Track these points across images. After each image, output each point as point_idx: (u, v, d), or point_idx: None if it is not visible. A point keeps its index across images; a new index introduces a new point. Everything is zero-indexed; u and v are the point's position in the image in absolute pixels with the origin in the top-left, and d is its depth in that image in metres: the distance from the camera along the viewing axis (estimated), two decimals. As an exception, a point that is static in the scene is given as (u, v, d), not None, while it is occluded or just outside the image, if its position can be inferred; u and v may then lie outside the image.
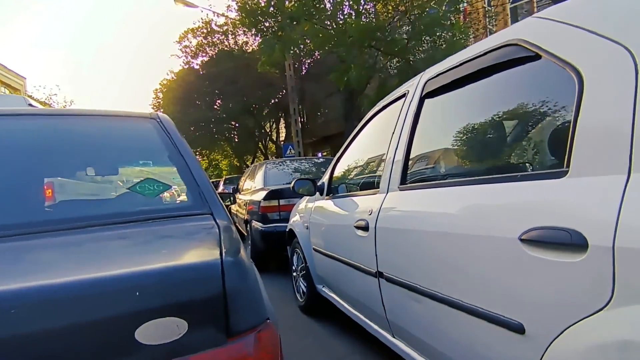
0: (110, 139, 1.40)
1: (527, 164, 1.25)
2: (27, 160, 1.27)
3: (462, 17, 9.59)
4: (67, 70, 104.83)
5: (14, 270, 0.74)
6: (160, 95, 22.17)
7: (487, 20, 10.58)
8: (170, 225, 1.02)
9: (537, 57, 1.08)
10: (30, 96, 19.18)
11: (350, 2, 9.21)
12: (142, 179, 1.24)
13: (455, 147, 1.60)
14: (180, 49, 19.36)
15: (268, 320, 0.77)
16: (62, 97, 51.85)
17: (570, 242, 0.85)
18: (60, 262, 0.77)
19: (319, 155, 18.75)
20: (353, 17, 9.35)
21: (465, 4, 9.26)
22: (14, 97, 5.03)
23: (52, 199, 1.32)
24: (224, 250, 0.77)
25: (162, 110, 21.03)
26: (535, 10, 11.49)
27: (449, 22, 8.35)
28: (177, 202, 1.25)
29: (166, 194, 1.31)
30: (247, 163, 23.28)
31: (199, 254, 0.80)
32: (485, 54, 1.30)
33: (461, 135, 1.53)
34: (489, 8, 10.72)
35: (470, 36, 10.40)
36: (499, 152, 1.42)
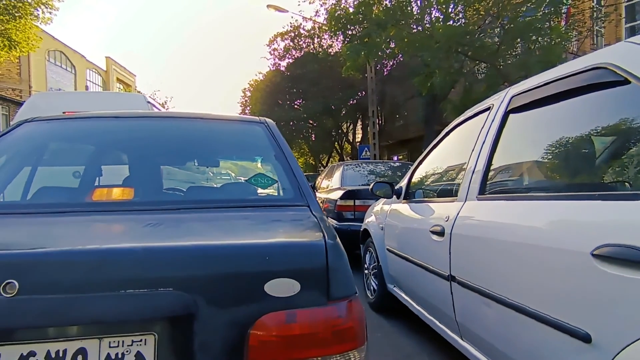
0: (232, 138, 1.73)
1: (604, 184, 1.28)
2: (168, 154, 1.64)
3: (563, 19, 8.82)
4: (163, 70, 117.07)
5: (183, 234, 1.04)
6: (248, 94, 23.85)
7: (595, 22, 9.58)
8: (278, 212, 1.28)
9: (625, 81, 1.12)
10: (138, 92, 22.02)
11: (438, 6, 9.04)
12: (256, 172, 1.53)
13: (536, 163, 1.64)
14: (270, 52, 20.61)
15: (356, 294, 0.97)
16: (162, 94, 59.15)
17: None
18: (210, 231, 1.06)
19: (395, 159, 18.60)
20: (441, 21, 9.17)
21: (568, 5, 8.51)
22: (136, 95, 5.95)
23: (186, 185, 1.68)
24: (325, 234, 0.98)
25: (249, 107, 22.61)
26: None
27: (546, 25, 7.77)
28: (281, 194, 1.50)
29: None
30: (323, 162, 23.91)
31: (308, 235, 1.04)
32: (573, 75, 1.35)
33: (542, 151, 1.58)
34: (598, 7, 9.69)
35: (573, 39, 9.52)
36: (578, 171, 1.45)
